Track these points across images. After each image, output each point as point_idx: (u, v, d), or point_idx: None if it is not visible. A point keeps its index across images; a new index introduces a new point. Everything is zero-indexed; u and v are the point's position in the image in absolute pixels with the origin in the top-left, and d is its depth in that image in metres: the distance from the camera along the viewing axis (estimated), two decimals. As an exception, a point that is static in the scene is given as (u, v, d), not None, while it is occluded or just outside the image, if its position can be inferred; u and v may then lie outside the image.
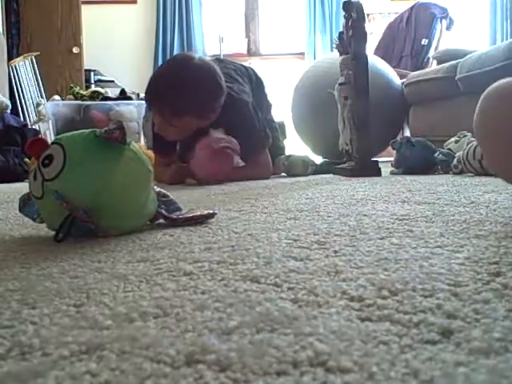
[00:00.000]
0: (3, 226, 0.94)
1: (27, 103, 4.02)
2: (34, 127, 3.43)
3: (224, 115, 1.95)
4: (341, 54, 2.10)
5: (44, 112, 3.66)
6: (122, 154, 0.78)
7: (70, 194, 0.74)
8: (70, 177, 0.75)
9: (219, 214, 0.98)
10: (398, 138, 2.19)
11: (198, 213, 0.90)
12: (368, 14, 4.82)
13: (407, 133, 3.28)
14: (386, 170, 2.06)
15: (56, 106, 3.72)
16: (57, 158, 0.76)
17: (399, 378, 0.29)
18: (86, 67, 4.81)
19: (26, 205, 0.86)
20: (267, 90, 2.45)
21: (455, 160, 1.85)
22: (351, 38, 2.00)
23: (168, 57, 5.34)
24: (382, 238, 0.68)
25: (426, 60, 4.04)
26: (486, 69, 2.41)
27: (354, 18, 1.97)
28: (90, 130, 0.80)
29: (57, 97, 3.92)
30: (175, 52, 5.35)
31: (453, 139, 2.07)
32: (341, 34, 2.10)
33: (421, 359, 0.31)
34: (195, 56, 2.01)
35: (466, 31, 4.95)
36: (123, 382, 0.29)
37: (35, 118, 3.80)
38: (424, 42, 4.06)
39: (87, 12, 4.95)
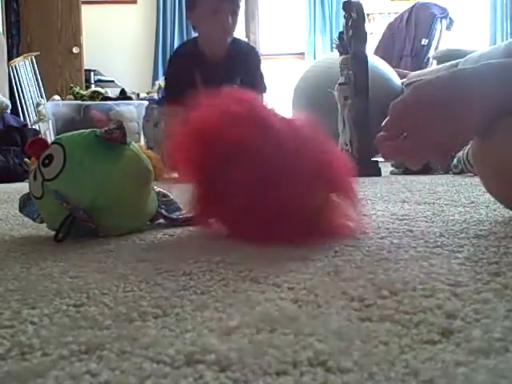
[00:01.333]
0: (3, 226, 0.94)
1: (27, 103, 4.02)
2: (34, 127, 3.43)
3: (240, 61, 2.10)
4: (341, 54, 2.10)
5: (44, 112, 3.66)
6: (122, 153, 0.78)
7: (70, 194, 0.74)
8: (70, 177, 0.75)
9: (219, 213, 0.98)
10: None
11: (198, 213, 0.89)
12: (368, 14, 4.81)
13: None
14: (385, 169, 2.06)
15: (56, 106, 3.71)
16: (57, 157, 0.76)
17: (399, 378, 0.29)
18: (86, 67, 4.81)
19: (25, 205, 0.86)
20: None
21: (455, 160, 1.85)
22: (351, 38, 2.00)
23: (168, 57, 5.33)
24: (382, 238, 0.68)
25: (426, 60, 4.04)
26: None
27: (354, 17, 1.97)
28: (89, 129, 0.80)
29: (57, 97, 3.92)
30: (175, 52, 5.34)
31: (453, 139, 2.07)
32: (341, 33, 2.10)
33: (421, 359, 0.31)
34: None
35: (466, 31, 4.95)
36: (123, 381, 0.29)
37: (35, 118, 3.80)
38: (424, 41, 4.06)
39: (87, 12, 4.95)
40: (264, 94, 2.19)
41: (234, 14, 2.06)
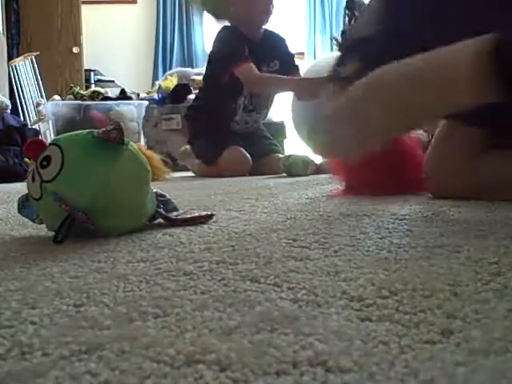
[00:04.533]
0: (3, 226, 0.94)
1: (27, 103, 4.02)
2: (34, 127, 3.43)
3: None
4: (341, 54, 2.09)
5: (44, 112, 3.66)
6: (121, 154, 0.78)
7: (68, 195, 0.74)
8: (69, 178, 0.75)
9: (219, 214, 0.98)
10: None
11: (196, 214, 0.90)
12: (368, 14, 4.81)
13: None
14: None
15: (56, 105, 3.71)
16: (55, 159, 0.75)
17: (399, 378, 0.29)
18: (86, 67, 4.81)
19: (24, 206, 0.86)
20: None
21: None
22: (352, 38, 2.00)
23: (168, 57, 5.35)
24: (381, 238, 0.68)
25: (426, 60, 4.03)
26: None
27: (357, 16, 1.97)
28: (87, 130, 0.80)
29: (57, 97, 3.92)
30: (175, 52, 5.35)
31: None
32: (343, 32, 2.10)
33: (421, 359, 0.31)
34: None
35: (466, 31, 4.94)
36: (123, 381, 0.29)
37: (35, 118, 3.81)
38: (424, 41, 4.05)
39: (87, 12, 4.95)
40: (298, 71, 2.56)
41: None
